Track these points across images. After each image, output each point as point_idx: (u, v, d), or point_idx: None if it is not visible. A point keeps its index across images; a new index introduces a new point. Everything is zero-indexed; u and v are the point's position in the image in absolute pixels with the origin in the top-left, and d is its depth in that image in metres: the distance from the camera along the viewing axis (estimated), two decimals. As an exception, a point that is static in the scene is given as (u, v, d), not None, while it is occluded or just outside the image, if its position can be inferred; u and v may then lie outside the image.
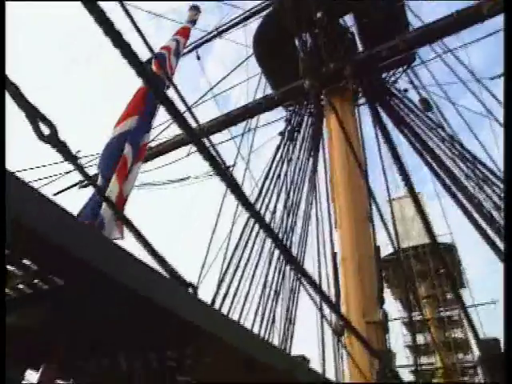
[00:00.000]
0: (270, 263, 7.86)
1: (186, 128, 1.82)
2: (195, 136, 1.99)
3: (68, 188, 9.15)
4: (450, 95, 9.18)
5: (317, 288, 2.47)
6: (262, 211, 8.19)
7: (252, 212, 1.98)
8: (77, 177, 9.01)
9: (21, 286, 2.19)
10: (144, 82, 1.64)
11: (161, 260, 1.56)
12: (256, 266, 7.69)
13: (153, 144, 10.04)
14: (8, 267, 1.96)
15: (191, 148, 10.02)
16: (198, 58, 11.55)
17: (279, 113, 11.62)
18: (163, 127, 9.93)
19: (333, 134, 8.89)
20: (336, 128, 8.53)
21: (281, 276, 8.23)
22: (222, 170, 1.80)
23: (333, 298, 7.14)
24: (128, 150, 3.37)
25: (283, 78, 10.53)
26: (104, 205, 2.85)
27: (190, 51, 10.97)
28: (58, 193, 8.51)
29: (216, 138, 9.89)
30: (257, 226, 7.37)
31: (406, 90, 10.09)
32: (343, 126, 6.69)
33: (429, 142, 8.23)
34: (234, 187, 1.76)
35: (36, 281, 2.15)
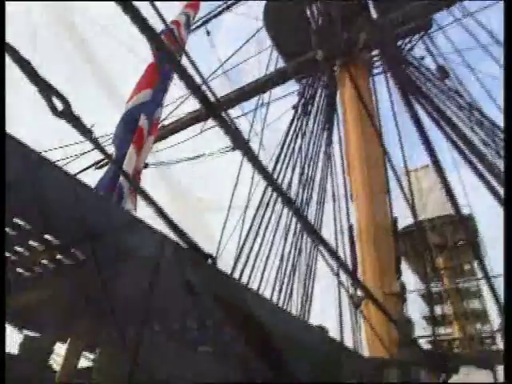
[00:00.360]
0: (286, 237, 7.88)
1: (203, 100, 1.79)
2: (214, 108, 1.96)
3: (85, 169, 9.25)
4: (469, 62, 8.88)
5: (334, 255, 2.48)
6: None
7: (270, 182, 1.97)
8: (93, 157, 9.09)
9: (45, 262, 2.25)
10: (158, 51, 1.61)
11: (179, 232, 1.57)
12: (273, 241, 7.72)
13: (166, 122, 10.04)
14: (31, 243, 2.01)
15: (204, 125, 9.98)
16: (208, 33, 11.34)
17: (291, 86, 11.44)
18: (175, 106, 9.91)
19: (347, 105, 8.72)
20: (350, 99, 8.35)
21: (297, 251, 8.26)
22: (241, 142, 1.79)
23: (350, 270, 7.14)
24: (143, 122, 3.39)
25: (296, 49, 10.29)
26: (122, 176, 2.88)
27: (199, 27, 10.78)
28: (74, 175, 8.58)
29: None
30: (273, 200, 7.37)
31: (422, 58, 9.78)
32: (359, 90, 6.51)
33: (446, 111, 8.01)
34: (254, 159, 1.74)
35: (59, 256, 2.19)
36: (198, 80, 2.84)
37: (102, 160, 8.90)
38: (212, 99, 2.94)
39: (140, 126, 3.33)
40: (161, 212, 1.45)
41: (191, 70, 3.11)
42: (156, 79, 3.62)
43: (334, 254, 2.47)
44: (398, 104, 8.84)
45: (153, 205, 1.44)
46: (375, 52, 10.08)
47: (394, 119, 8.93)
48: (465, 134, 7.30)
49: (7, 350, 3.31)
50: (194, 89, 1.70)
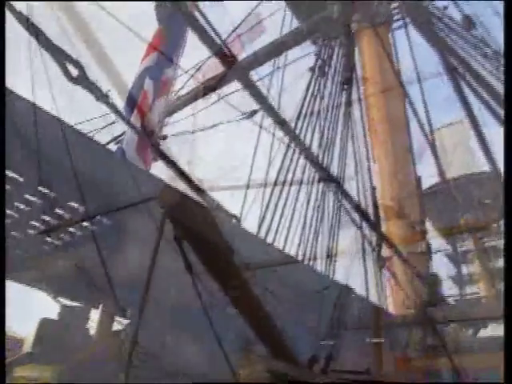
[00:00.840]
0: (308, 201, 7.81)
1: (223, 58, 1.74)
2: (237, 68, 1.91)
3: (107, 144, 9.33)
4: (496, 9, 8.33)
5: (357, 208, 2.45)
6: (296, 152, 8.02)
7: (294, 137, 1.92)
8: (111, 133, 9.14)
9: (72, 230, 2.29)
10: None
11: (201, 191, 1.56)
12: (295, 206, 7.67)
13: (183, 92, 9.93)
14: (57, 211, 2.04)
15: (221, 94, 9.82)
16: (219, -4, 10.96)
17: (307, 48, 11.06)
18: (190, 74, 9.75)
19: (367, 60, 8.41)
20: (370, 54, 8.05)
21: (320, 214, 8.20)
22: (265, 101, 1.74)
23: (374, 231, 7.09)
24: (148, 85, 3.39)
25: (310, 7, 9.91)
26: (128, 135, 2.93)
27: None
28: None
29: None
30: (294, 164, 7.25)
31: (445, 8, 9.25)
32: (381, 38, 6.19)
33: (471, 62, 7.63)
34: (278, 117, 1.70)
35: (85, 224, 2.23)
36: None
37: (121, 135, 8.94)
38: (231, 60, 2.87)
39: (144, 90, 3.35)
40: (181, 172, 1.44)
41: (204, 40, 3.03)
42: (162, 41, 3.56)
43: (357, 207, 2.44)
44: (421, 58, 8.48)
45: (172, 164, 1.43)
46: (395, 4, 9.60)
47: (417, 74, 8.58)
48: (492, 85, 6.97)
49: (49, 317, 3.47)
50: (213, 45, 1.64)
